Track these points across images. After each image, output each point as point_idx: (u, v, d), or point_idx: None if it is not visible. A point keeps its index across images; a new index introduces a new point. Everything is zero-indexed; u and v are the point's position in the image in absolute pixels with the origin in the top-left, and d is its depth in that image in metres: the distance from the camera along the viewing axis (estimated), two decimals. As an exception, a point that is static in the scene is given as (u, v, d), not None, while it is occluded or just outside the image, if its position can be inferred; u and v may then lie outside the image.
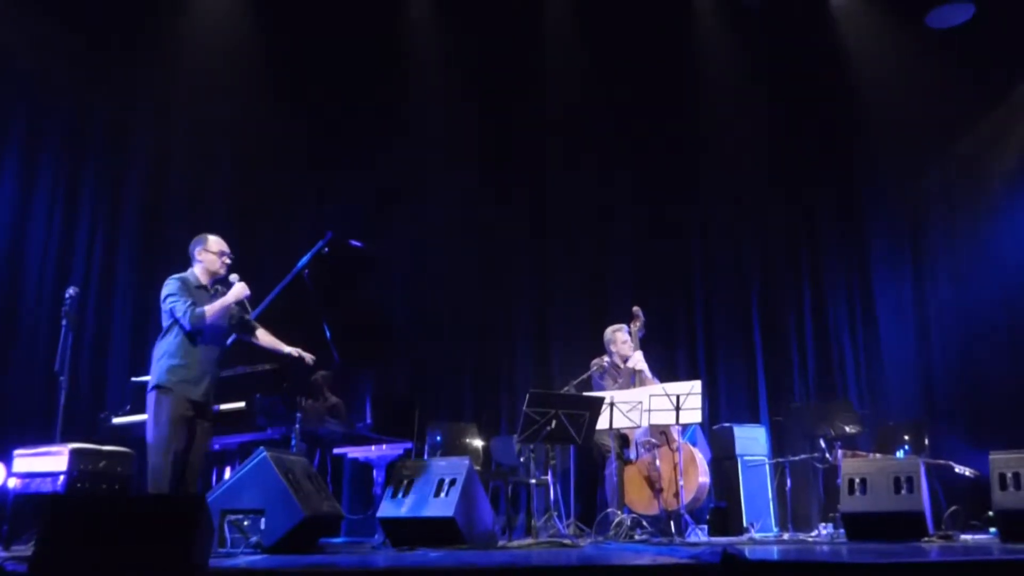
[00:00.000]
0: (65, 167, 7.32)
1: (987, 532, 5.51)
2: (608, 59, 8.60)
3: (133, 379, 6.03)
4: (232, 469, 5.26)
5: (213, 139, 7.90)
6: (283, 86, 8.16)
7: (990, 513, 4.92)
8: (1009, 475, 4.35)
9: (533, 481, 5.93)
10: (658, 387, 5.85)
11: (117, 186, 7.55)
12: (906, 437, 6.57)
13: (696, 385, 5.68)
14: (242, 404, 5.21)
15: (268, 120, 8.08)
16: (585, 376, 6.27)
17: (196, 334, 4.66)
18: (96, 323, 7.14)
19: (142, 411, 5.64)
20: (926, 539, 4.63)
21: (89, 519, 2.71)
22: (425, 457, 6.37)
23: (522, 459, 6.20)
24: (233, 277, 4.86)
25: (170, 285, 4.74)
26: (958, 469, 6.07)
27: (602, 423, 5.58)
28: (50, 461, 4.99)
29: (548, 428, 5.21)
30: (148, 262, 7.38)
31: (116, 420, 5.79)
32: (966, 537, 5.13)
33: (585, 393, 5.96)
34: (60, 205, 7.23)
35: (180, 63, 7.86)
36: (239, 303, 4.81)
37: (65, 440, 5.06)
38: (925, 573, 2.61)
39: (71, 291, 5.41)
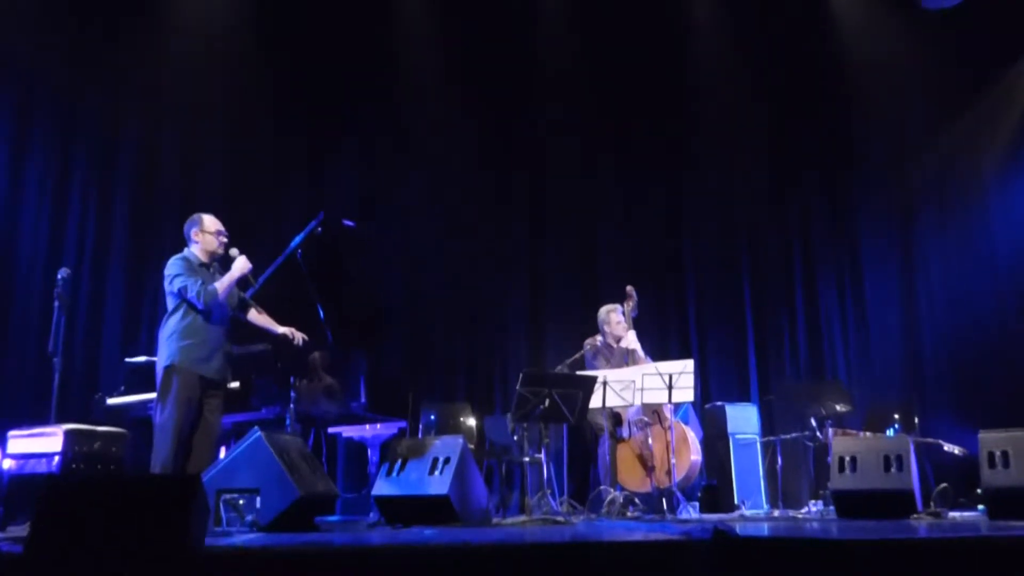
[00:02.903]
0: (56, 148, 7.27)
1: (975, 510, 5.56)
2: (602, 43, 8.57)
3: (127, 360, 6.05)
4: (227, 449, 5.28)
5: (206, 119, 7.84)
6: (277, 66, 8.10)
7: (979, 491, 4.97)
8: (998, 453, 4.39)
9: (526, 459, 5.97)
10: (651, 366, 5.89)
11: (109, 167, 7.51)
12: (896, 416, 6.61)
13: (688, 364, 5.72)
14: (236, 384, 5.23)
15: (262, 101, 8.03)
16: (578, 356, 6.30)
17: (207, 312, 4.68)
18: (89, 304, 7.13)
19: (136, 392, 5.69)
20: (915, 516, 4.68)
21: (85, 499, 2.72)
22: (419, 436, 6.39)
23: (515, 438, 6.24)
24: (233, 251, 4.90)
25: (175, 265, 4.75)
26: (947, 448, 6.12)
27: (595, 402, 5.62)
28: (45, 442, 4.99)
29: (541, 407, 5.25)
30: (141, 243, 7.37)
31: (110, 401, 5.80)
32: (955, 514, 5.18)
33: (578, 372, 5.99)
34: (51, 186, 7.19)
35: (172, 43, 7.79)
36: (243, 278, 4.84)
37: (60, 421, 5.08)
38: (914, 550, 2.64)
39: (63, 272, 5.41)
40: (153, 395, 4.80)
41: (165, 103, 7.73)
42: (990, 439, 4.47)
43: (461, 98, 8.52)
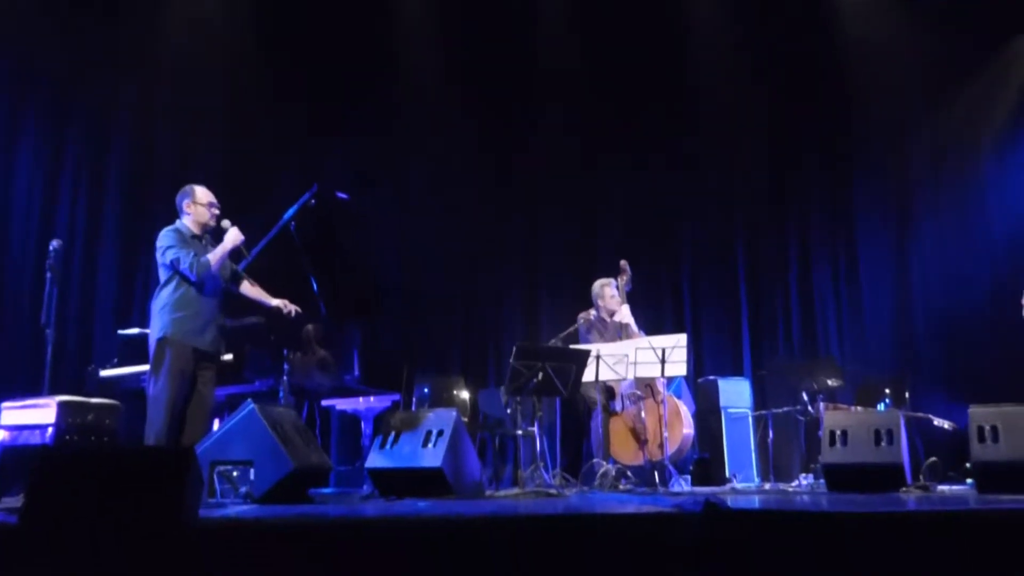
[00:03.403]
0: (50, 119, 7.21)
1: (964, 483, 5.62)
2: (600, 19, 8.50)
3: (120, 332, 6.04)
4: (220, 421, 5.29)
5: (201, 93, 7.78)
6: (275, 41, 8.03)
7: (968, 465, 5.02)
8: (987, 428, 4.43)
9: (520, 433, 6.00)
10: (644, 340, 5.91)
11: (102, 138, 7.46)
12: (887, 391, 6.65)
13: (682, 338, 5.73)
14: (229, 357, 5.23)
15: (257, 74, 7.97)
16: (571, 330, 6.31)
17: (200, 284, 4.67)
18: (82, 276, 7.11)
19: (129, 364, 5.68)
20: (904, 490, 4.72)
21: (78, 471, 2.73)
22: (413, 409, 6.41)
23: (509, 411, 6.26)
24: (225, 223, 4.87)
25: (167, 237, 4.73)
26: (937, 422, 6.17)
27: (588, 376, 5.64)
28: (38, 414, 4.99)
29: (535, 380, 5.26)
30: (134, 214, 7.34)
31: (103, 373, 5.79)
32: (943, 488, 5.23)
33: (572, 346, 6.01)
34: (44, 157, 7.14)
35: (169, 18, 7.72)
36: (235, 250, 4.82)
37: (53, 393, 5.07)
38: (903, 522, 2.67)
39: (55, 244, 5.38)
40: (146, 367, 4.80)
41: (160, 76, 7.66)
42: (980, 414, 4.50)
43: (461, 75, 8.46)
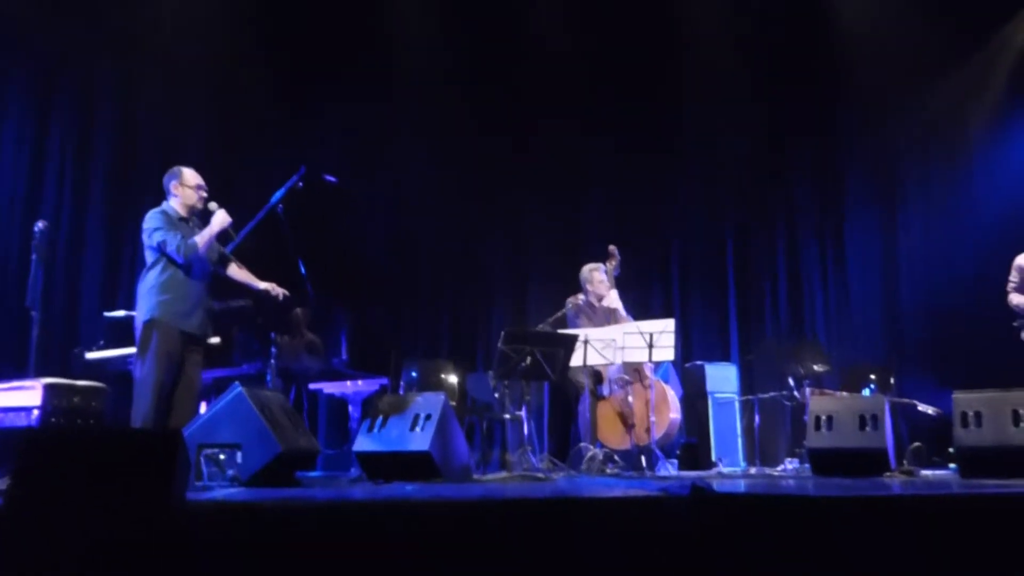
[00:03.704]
0: (34, 98, 7.13)
1: (947, 468, 5.67)
2: (592, 1, 8.47)
3: (106, 314, 6.00)
4: (208, 404, 5.28)
5: (188, 72, 7.70)
6: (263, 20, 7.94)
7: (951, 450, 5.06)
8: (971, 414, 4.46)
9: (507, 417, 6.01)
10: (632, 325, 5.92)
11: (88, 117, 7.38)
12: (872, 376, 6.70)
13: (669, 323, 5.75)
14: (217, 340, 5.22)
15: (245, 54, 7.88)
16: (560, 314, 6.31)
17: (187, 267, 4.65)
18: (67, 257, 7.05)
19: (116, 346, 5.66)
20: (888, 474, 4.76)
21: (65, 454, 2.71)
22: (401, 393, 6.42)
23: (497, 395, 6.27)
24: (212, 205, 4.83)
25: (154, 219, 4.69)
26: (921, 407, 6.22)
27: (576, 360, 5.65)
28: (24, 396, 4.96)
29: (523, 365, 5.27)
30: (120, 194, 7.28)
31: (89, 355, 5.76)
32: (927, 473, 5.28)
33: (560, 331, 6.02)
34: (29, 138, 7.06)
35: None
36: (223, 232, 4.80)
37: (39, 375, 5.04)
38: (886, 506, 2.70)
39: (40, 224, 5.34)
40: (133, 350, 4.78)
41: (146, 57, 7.58)
42: (964, 399, 4.54)
43: (452, 58, 8.41)
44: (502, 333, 5.37)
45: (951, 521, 2.55)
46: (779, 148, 8.48)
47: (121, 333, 5.52)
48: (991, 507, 2.67)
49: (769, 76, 8.36)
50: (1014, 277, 5.61)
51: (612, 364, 5.88)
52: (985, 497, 2.80)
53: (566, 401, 6.31)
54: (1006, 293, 5.61)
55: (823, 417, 4.97)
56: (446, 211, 8.46)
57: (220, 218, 4.76)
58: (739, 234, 8.46)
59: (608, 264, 6.42)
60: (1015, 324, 5.54)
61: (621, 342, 5.71)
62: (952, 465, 5.34)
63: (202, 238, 4.69)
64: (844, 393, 6.34)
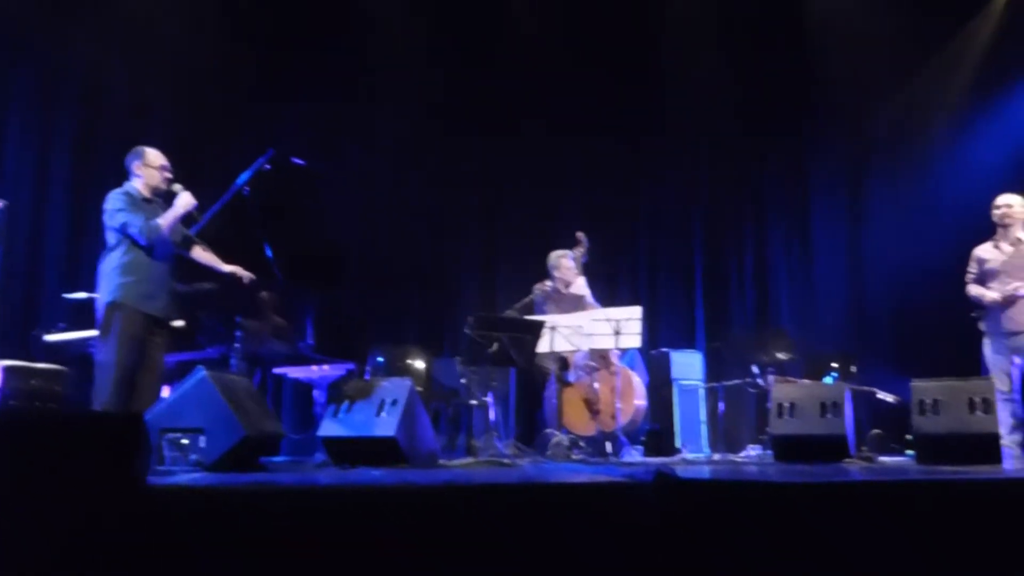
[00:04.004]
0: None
1: (905, 455, 5.78)
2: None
3: (67, 296, 5.90)
4: (171, 388, 5.22)
5: (153, 51, 7.55)
6: (231, 3, 7.82)
7: (909, 437, 5.16)
8: (928, 402, 4.55)
9: (474, 402, 6.02)
10: (599, 312, 5.95)
11: (50, 96, 7.21)
12: (834, 364, 6.80)
13: (636, 311, 5.79)
14: (181, 323, 5.15)
15: (213, 32, 7.74)
16: (527, 300, 6.33)
17: (150, 248, 4.58)
18: (28, 238, 6.91)
19: (76, 328, 5.57)
20: (848, 460, 4.84)
21: (23, 437, 2.67)
22: (367, 378, 6.39)
23: (463, 381, 6.27)
24: (176, 187, 4.76)
25: (116, 200, 4.61)
26: (881, 395, 6.33)
27: (543, 346, 5.67)
28: (-19, 378, 4.88)
29: (490, 351, 5.27)
30: (82, 175, 7.14)
31: (49, 338, 5.67)
32: (885, 459, 5.38)
33: (527, 317, 6.03)
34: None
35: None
36: (187, 214, 4.73)
37: (-3, 357, 4.96)
38: (845, 491, 2.74)
39: (0, 205, 5.23)
40: (94, 332, 4.71)
41: (111, 34, 7.41)
42: (922, 388, 4.62)
43: (424, 43, 8.36)
44: (469, 319, 5.37)
45: (908, 506, 2.60)
46: (748, 139, 8.55)
47: (82, 315, 5.44)
48: (946, 492, 2.73)
49: (739, 70, 8.41)
50: (972, 269, 5.72)
51: (579, 350, 5.91)
52: (940, 483, 2.86)
53: (532, 387, 6.33)
54: (965, 284, 5.71)
55: (786, 404, 5.04)
56: (414, 196, 8.42)
57: (184, 200, 4.69)
58: (706, 223, 8.53)
59: (576, 251, 6.43)
60: (973, 314, 5.65)
61: (588, 329, 5.74)
62: (910, 452, 5.45)
63: (166, 220, 4.62)
64: (807, 381, 6.43)
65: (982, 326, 5.59)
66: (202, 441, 4.19)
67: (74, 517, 2.44)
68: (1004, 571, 2.46)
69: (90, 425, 2.80)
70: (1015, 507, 2.61)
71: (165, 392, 5.08)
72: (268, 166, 5.21)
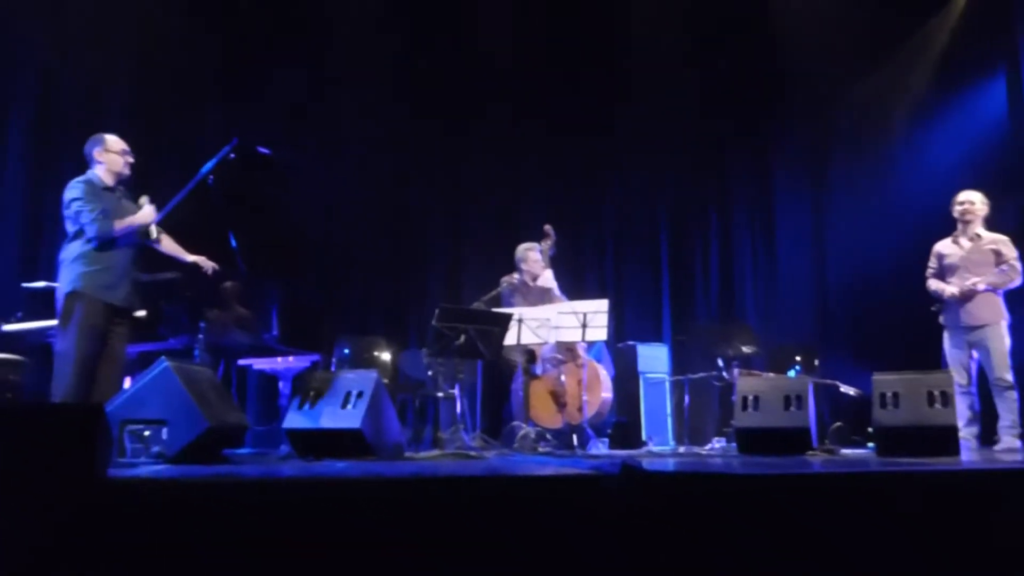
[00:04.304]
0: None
1: (866, 447, 5.87)
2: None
3: (25, 285, 5.79)
4: (133, 379, 5.14)
5: (113, 34, 7.41)
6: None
7: (870, 429, 5.23)
8: (889, 395, 4.61)
9: (440, 394, 6.00)
10: (566, 305, 5.96)
11: (5, 82, 7.05)
12: (798, 358, 6.88)
13: (603, 304, 5.81)
14: (143, 313, 5.08)
15: (176, 18, 7.61)
16: (495, 293, 6.32)
17: (104, 242, 4.52)
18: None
19: (35, 318, 5.46)
20: (810, 452, 4.89)
21: (-21, 428, 2.61)
22: (333, 369, 6.34)
23: (430, 373, 6.25)
24: (143, 200, 4.73)
25: (75, 189, 4.55)
26: (843, 388, 6.41)
27: (510, 339, 5.67)
28: (-63, 368, 4.78)
29: (457, 343, 5.26)
30: (40, 161, 7.00)
31: (6, 327, 5.55)
32: (847, 451, 5.45)
33: (495, 310, 6.02)
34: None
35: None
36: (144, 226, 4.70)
37: (-48, 347, 4.85)
38: (807, 483, 2.78)
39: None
40: (53, 322, 4.63)
41: (68, 18, 7.26)
42: (883, 381, 4.68)
43: (389, 35, 8.29)
44: (436, 311, 5.35)
45: (868, 497, 2.64)
46: (714, 134, 8.62)
47: (41, 305, 5.34)
48: (905, 483, 2.77)
49: (704, 64, 8.47)
50: (932, 264, 5.81)
51: (546, 343, 5.92)
52: (899, 475, 2.90)
53: (499, 379, 6.33)
54: (925, 279, 5.81)
55: (750, 397, 5.08)
56: (381, 186, 8.37)
57: (146, 213, 4.68)
58: (673, 217, 8.58)
59: (543, 244, 6.44)
60: (933, 308, 5.75)
61: (555, 322, 5.75)
62: (870, 444, 5.53)
63: (121, 224, 4.57)
64: (771, 374, 6.50)
65: (942, 320, 5.68)
66: (164, 433, 4.13)
67: (32, 510, 2.39)
68: (960, 559, 2.51)
69: (49, 416, 2.75)
70: (971, 498, 2.66)
71: (127, 384, 5.01)
72: (233, 155, 5.14)
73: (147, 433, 4.11)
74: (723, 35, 8.41)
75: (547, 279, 6.38)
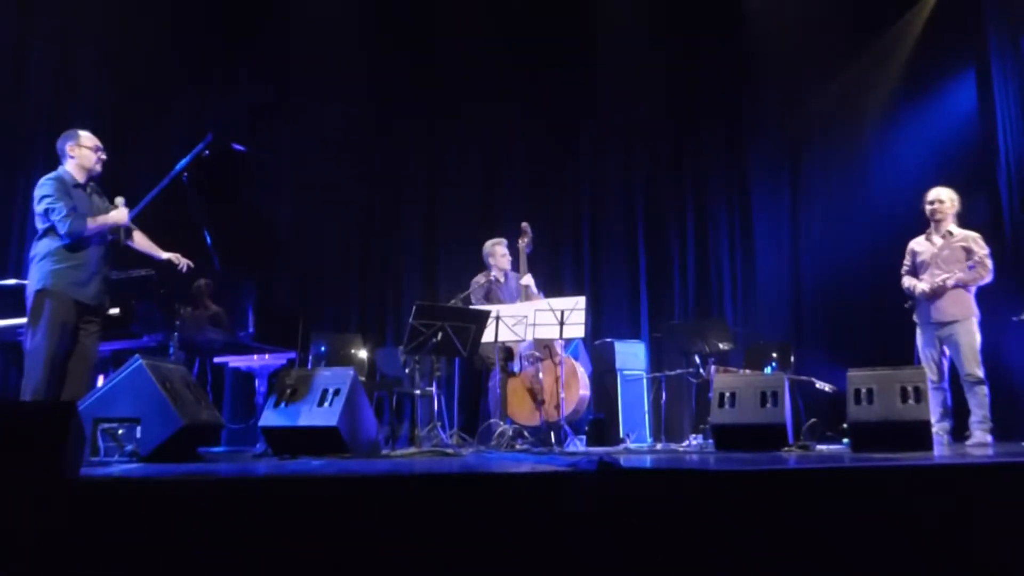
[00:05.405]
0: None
1: (841, 443, 5.91)
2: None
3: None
4: (106, 378, 5.08)
5: (81, 27, 7.32)
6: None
7: (844, 425, 5.27)
8: (863, 391, 4.65)
9: (417, 392, 5.98)
10: (543, 302, 5.96)
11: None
12: (774, 355, 6.92)
13: (580, 301, 5.81)
14: (116, 310, 5.02)
15: (147, 14, 7.52)
16: (466, 294, 6.31)
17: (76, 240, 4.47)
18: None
19: (3, 316, 5.38)
20: (786, 448, 4.93)
21: (-53, 427, 2.57)
22: (309, 367, 6.31)
23: (407, 370, 6.23)
24: (119, 200, 4.68)
25: (46, 186, 4.50)
26: (818, 385, 6.46)
27: (488, 336, 5.66)
28: (-97, 367, 4.69)
29: (434, 340, 5.24)
30: (8, 157, 6.89)
31: (-27, 325, 5.47)
32: (822, 447, 5.49)
33: (471, 307, 6.01)
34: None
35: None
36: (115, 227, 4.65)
37: (-81, 346, 4.78)
38: (783, 479, 2.79)
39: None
40: (22, 320, 4.57)
41: (39, 11, 7.15)
42: (857, 377, 4.72)
43: (362, 29, 8.25)
44: (413, 308, 5.33)
45: (843, 492, 2.66)
46: (690, 131, 8.65)
47: (9, 302, 5.26)
48: (879, 479, 2.80)
49: (680, 60, 8.49)
50: (907, 261, 5.87)
51: (523, 341, 5.92)
52: (873, 470, 2.93)
53: (476, 377, 6.32)
54: (900, 276, 5.86)
55: (727, 394, 5.10)
56: (357, 183, 8.34)
57: (118, 216, 4.65)
58: (649, 215, 8.60)
59: (520, 241, 6.43)
60: (906, 305, 5.80)
61: (532, 319, 5.74)
62: (845, 440, 5.57)
63: (94, 222, 4.53)
64: (747, 371, 6.53)
65: (915, 317, 5.74)
66: (138, 431, 4.09)
67: (2, 509, 2.36)
68: (933, 553, 2.54)
69: (19, 415, 2.72)
70: (944, 492, 2.69)
71: (100, 382, 4.95)
72: (207, 152, 5.10)
73: (121, 431, 4.07)
74: (697, 34, 8.43)
75: (524, 277, 6.39)
